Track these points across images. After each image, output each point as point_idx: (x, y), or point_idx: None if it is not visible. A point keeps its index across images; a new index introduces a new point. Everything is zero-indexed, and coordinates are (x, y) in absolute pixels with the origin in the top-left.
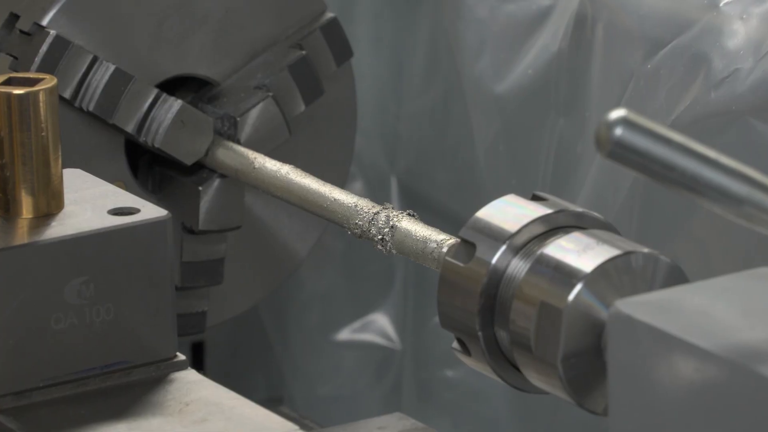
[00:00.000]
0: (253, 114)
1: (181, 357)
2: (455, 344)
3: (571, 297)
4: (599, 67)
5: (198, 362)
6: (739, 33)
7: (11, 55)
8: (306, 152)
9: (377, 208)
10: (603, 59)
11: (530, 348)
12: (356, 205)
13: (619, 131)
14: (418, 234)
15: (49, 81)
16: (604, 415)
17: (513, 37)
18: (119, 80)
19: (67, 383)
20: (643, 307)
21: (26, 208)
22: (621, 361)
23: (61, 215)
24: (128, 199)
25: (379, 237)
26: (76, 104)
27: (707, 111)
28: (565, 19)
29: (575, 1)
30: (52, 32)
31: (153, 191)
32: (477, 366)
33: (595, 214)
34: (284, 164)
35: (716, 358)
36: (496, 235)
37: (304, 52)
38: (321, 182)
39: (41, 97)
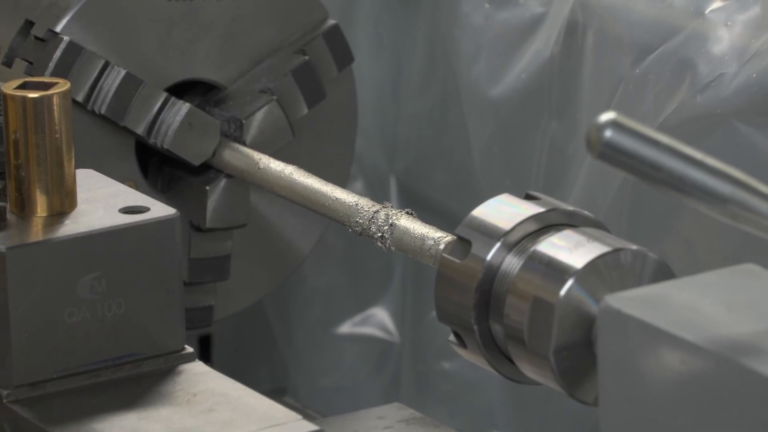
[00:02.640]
0: (258, 116)
1: (189, 350)
2: (452, 337)
3: (562, 292)
4: (590, 71)
5: (205, 355)
6: (723, 39)
7: (27, 61)
8: (308, 153)
9: (377, 206)
10: (593, 64)
11: (524, 341)
12: (357, 204)
13: (608, 133)
14: (416, 232)
15: (63, 85)
16: (594, 405)
17: (507, 43)
18: (130, 84)
19: (79, 374)
20: (632, 301)
21: (41, 206)
22: (610, 354)
23: (74, 214)
24: (138, 198)
25: (379, 234)
26: (89, 107)
27: (693, 114)
28: (557, 26)
29: (567, 8)
30: (66, 38)
31: (162, 191)
32: (472, 358)
33: (586, 212)
34: (288, 165)
35: (702, 350)
36: (491, 233)
37: (306, 58)
38: (323, 182)
39: (55, 100)
